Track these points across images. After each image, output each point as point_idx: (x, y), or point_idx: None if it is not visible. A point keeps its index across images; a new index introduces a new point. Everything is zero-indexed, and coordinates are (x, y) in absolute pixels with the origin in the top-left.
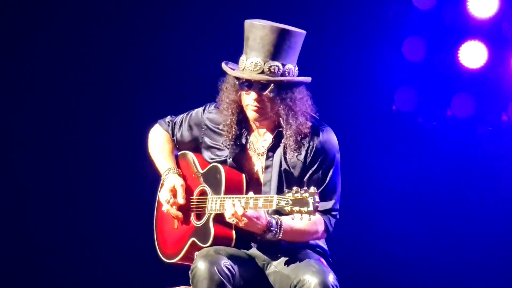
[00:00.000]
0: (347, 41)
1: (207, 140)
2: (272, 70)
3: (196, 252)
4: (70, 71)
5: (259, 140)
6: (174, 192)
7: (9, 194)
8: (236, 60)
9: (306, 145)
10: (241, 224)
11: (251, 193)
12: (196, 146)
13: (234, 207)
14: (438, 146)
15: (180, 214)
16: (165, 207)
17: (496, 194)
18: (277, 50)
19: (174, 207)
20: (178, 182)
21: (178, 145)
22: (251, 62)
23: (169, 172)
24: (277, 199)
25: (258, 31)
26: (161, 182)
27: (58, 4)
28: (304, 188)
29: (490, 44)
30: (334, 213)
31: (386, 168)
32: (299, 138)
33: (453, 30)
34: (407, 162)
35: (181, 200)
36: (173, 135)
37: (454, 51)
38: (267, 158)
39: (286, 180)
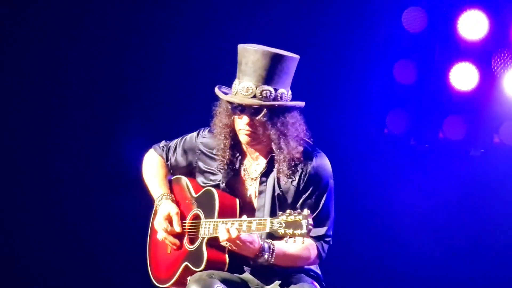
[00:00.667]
0: (338, 64)
1: (201, 164)
2: (264, 95)
3: (189, 277)
4: (65, 87)
5: (253, 164)
6: (169, 220)
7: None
8: (230, 84)
9: (299, 170)
10: (234, 248)
11: (244, 217)
12: (190, 170)
13: (228, 231)
14: (431, 169)
15: (177, 241)
16: (161, 235)
17: (489, 217)
18: (269, 75)
19: (171, 237)
20: (173, 210)
21: (172, 170)
22: (243, 87)
23: (162, 198)
24: (271, 222)
25: (250, 56)
26: (154, 208)
27: (55, 11)
28: (298, 210)
29: (481, 66)
30: (327, 239)
31: (378, 191)
32: (292, 164)
33: (443, 52)
34: (399, 185)
35: (177, 228)
36: (167, 159)
37: (445, 74)
38: (261, 183)
39: (280, 205)
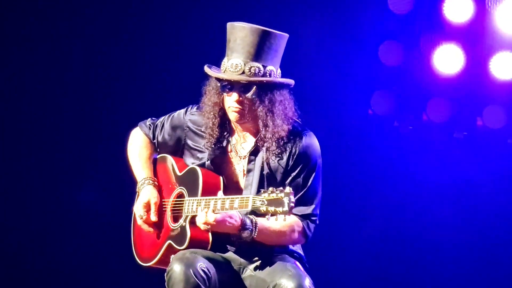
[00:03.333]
0: (323, 45)
1: (189, 142)
2: (253, 71)
3: (172, 256)
4: (55, 73)
5: (241, 143)
6: (147, 208)
7: None
8: (220, 64)
9: (288, 149)
10: (215, 228)
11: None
12: (177, 148)
13: (206, 215)
14: (414, 150)
15: (152, 230)
16: (139, 222)
17: (470, 198)
18: (257, 52)
19: (146, 225)
20: (153, 199)
21: (158, 148)
22: (232, 63)
23: (144, 182)
24: (253, 200)
25: (238, 32)
26: (137, 191)
27: (44, 5)
28: (280, 188)
29: (465, 48)
30: (313, 218)
31: (361, 172)
32: (281, 143)
33: (429, 34)
34: (383, 166)
35: (153, 217)
36: (154, 138)
37: (430, 56)
38: (249, 161)
39: (268, 184)
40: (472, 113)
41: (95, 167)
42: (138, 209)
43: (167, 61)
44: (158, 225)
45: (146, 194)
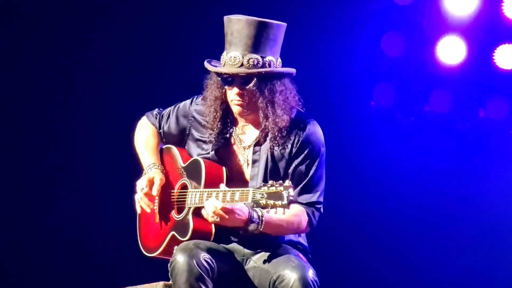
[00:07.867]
0: (326, 36)
1: (194, 132)
2: (252, 63)
3: (176, 246)
4: (59, 68)
5: (245, 134)
6: (151, 184)
7: None
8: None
9: (292, 138)
10: (223, 220)
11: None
12: (182, 139)
13: (212, 203)
14: (416, 142)
15: (151, 204)
16: (138, 196)
17: (473, 189)
18: (255, 43)
19: (146, 198)
20: (158, 176)
21: (164, 138)
22: (230, 57)
23: (152, 167)
24: (253, 193)
25: (234, 25)
26: (143, 175)
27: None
28: (279, 181)
29: (468, 39)
30: (318, 206)
31: (364, 163)
32: (284, 132)
33: (431, 25)
34: (385, 157)
35: (154, 191)
36: (160, 127)
37: (432, 47)
38: (254, 152)
39: (273, 174)
40: (475, 104)
41: (100, 161)
42: (141, 182)
43: (168, 56)
44: (163, 216)
45: (152, 173)
